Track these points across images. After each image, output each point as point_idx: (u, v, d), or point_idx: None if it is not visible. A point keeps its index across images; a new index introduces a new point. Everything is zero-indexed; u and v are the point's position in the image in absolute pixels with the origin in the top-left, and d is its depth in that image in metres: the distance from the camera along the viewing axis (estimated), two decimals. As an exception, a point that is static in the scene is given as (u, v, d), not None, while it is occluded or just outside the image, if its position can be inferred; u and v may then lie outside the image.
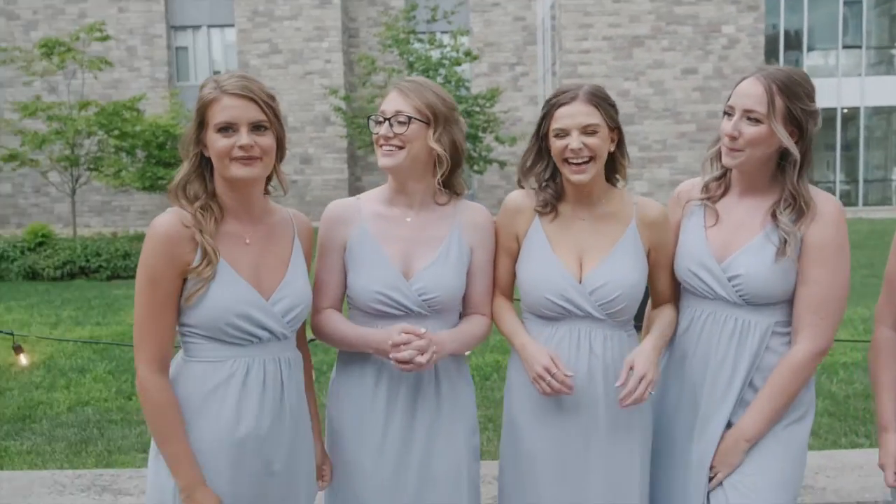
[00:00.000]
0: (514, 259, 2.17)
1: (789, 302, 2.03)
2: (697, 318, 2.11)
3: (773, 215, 2.02)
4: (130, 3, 22.57)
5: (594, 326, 2.05)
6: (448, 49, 18.92)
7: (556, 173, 2.10)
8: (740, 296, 2.02)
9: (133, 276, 11.80)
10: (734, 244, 2.06)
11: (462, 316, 2.17)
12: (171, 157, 17.65)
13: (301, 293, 1.93)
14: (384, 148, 2.02)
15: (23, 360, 3.48)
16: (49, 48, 14.66)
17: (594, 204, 2.11)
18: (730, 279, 2.02)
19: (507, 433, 2.18)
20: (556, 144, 2.03)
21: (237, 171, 1.79)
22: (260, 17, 22.71)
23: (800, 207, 1.99)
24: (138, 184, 15.18)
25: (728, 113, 2.02)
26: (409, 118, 1.99)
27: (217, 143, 1.78)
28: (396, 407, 2.04)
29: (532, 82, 23.71)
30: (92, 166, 15.33)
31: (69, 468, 4.01)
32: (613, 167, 2.13)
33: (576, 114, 1.99)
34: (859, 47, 21.39)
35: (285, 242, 1.96)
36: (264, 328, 1.84)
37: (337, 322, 2.09)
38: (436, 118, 2.01)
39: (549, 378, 1.96)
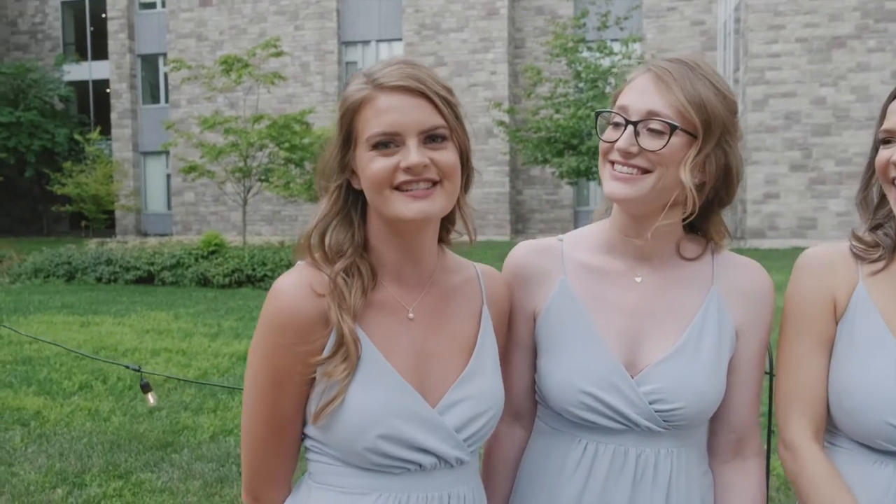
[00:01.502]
0: (830, 354, 1.32)
1: None
2: None
3: None
4: (306, 21, 23.47)
5: None
6: (619, 57, 17.93)
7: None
8: None
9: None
10: None
11: (712, 436, 1.38)
12: (336, 169, 18.01)
13: (490, 393, 1.26)
14: (617, 168, 1.25)
15: (151, 399, 3.07)
16: (228, 64, 15.34)
17: None
18: None
19: None
20: (879, 156, 1.28)
21: (405, 208, 1.15)
22: (427, 30, 22.79)
23: None
24: (305, 195, 15.52)
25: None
26: (672, 127, 1.21)
27: (371, 165, 1.15)
28: None
29: (710, 91, 21.95)
30: (262, 177, 15.86)
31: (200, 516, 3.59)
32: None
33: None
34: None
35: (468, 315, 1.29)
36: (428, 452, 1.19)
37: (493, 471, 1.42)
38: (708, 129, 1.22)
39: None
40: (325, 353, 1.15)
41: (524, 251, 1.40)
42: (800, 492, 1.29)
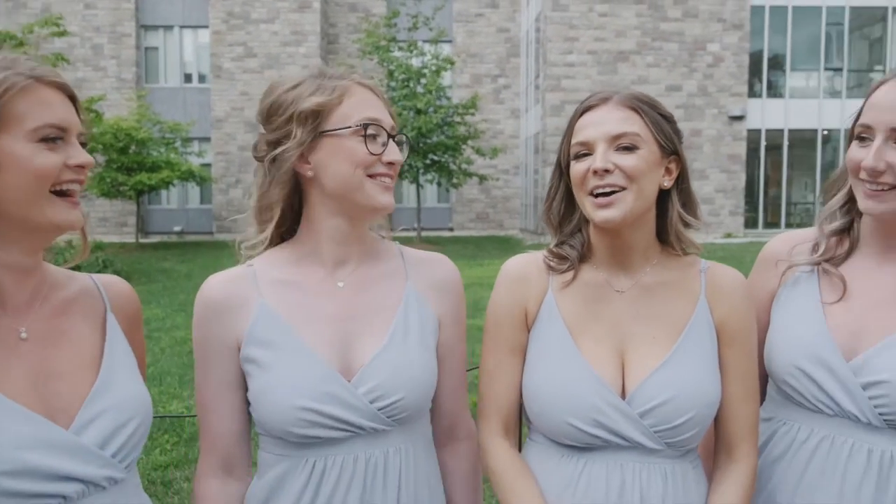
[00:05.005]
0: (523, 360, 1.42)
1: None
2: (804, 444, 1.39)
3: None
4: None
5: (645, 461, 1.32)
6: (429, 57, 18.42)
7: (584, 223, 1.43)
8: (881, 414, 1.32)
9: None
10: (871, 332, 1.36)
11: (436, 435, 1.46)
12: (133, 162, 16.82)
13: (132, 402, 1.18)
14: (380, 178, 1.35)
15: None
16: None
17: (637, 268, 1.39)
18: (865, 387, 1.33)
19: None
20: (576, 169, 1.35)
21: (68, 214, 1.11)
22: (235, 19, 21.92)
23: None
24: (96, 190, 14.29)
25: (863, 136, 1.36)
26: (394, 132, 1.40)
27: (37, 158, 1.06)
28: None
29: (514, 95, 23.23)
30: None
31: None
32: (667, 224, 1.39)
33: (604, 120, 1.33)
34: (840, 70, 21.28)
35: (91, 326, 1.22)
36: (70, 479, 1.08)
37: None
38: None
39: None
40: None
41: (215, 283, 1.36)
42: (492, 484, 1.39)
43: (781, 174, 20.74)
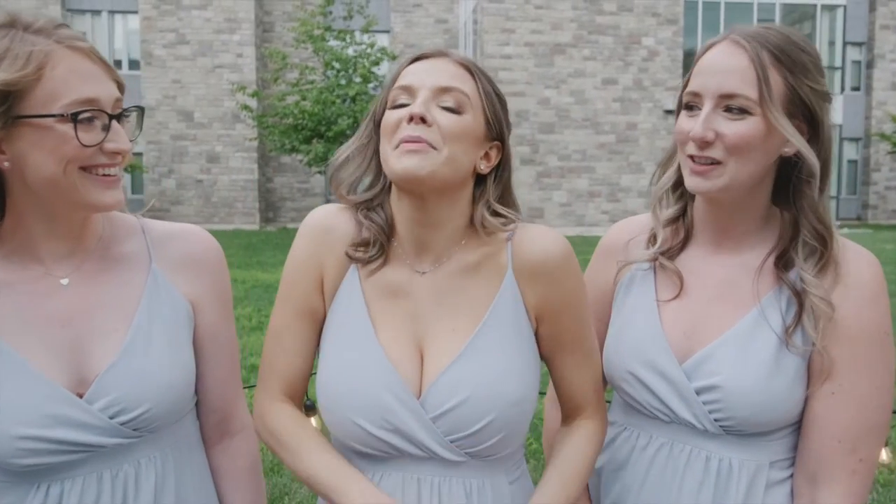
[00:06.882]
0: (313, 325, 1.22)
1: (796, 428, 1.20)
2: (644, 451, 1.26)
3: (779, 265, 1.18)
4: (19, -19, 20.69)
5: (445, 474, 1.14)
6: (364, 47, 18.28)
7: (386, 193, 1.21)
8: (716, 420, 1.18)
9: None
10: (705, 331, 1.21)
11: (205, 431, 1.28)
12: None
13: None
14: (102, 169, 1.11)
15: None
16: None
17: (442, 249, 1.18)
18: (699, 392, 1.18)
19: None
20: (389, 116, 1.13)
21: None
22: (166, 4, 21.28)
23: (825, 258, 1.16)
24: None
25: (691, 105, 1.18)
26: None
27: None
28: None
29: (453, 86, 23.23)
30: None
31: None
32: (475, 210, 1.20)
33: (435, 70, 1.13)
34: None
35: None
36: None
37: None
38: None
39: None
40: None
41: None
42: (274, 447, 1.20)
43: (711, 166, 21.37)
